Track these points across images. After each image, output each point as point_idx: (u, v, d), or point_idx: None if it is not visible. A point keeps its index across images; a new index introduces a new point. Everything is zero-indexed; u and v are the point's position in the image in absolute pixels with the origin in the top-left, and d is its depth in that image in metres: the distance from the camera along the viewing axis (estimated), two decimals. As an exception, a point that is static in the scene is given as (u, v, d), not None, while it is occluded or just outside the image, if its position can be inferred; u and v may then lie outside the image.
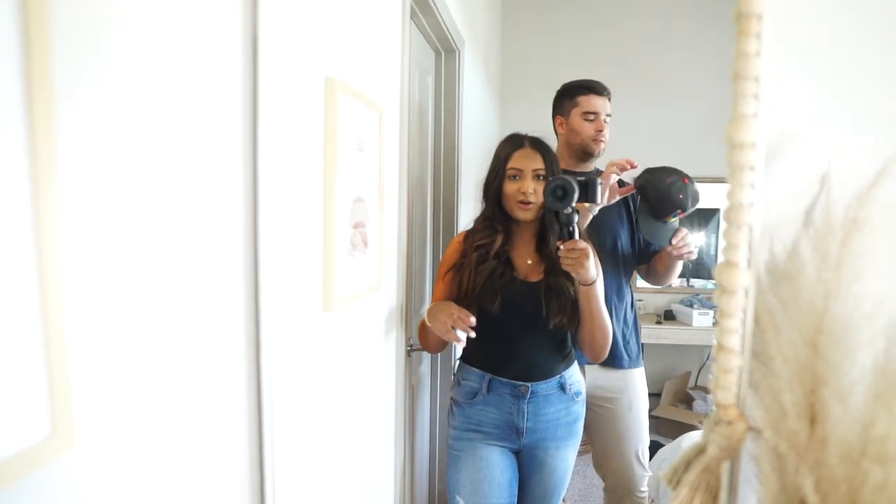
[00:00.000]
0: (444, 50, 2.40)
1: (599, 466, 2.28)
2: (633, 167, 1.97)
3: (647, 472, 2.19)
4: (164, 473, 0.67)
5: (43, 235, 0.47)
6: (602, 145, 2.14)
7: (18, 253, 0.45)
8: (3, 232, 0.44)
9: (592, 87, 2.12)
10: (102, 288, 0.57)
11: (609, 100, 2.14)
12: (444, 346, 1.78)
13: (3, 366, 0.44)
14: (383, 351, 1.52)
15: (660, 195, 1.95)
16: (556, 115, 2.22)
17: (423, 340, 1.78)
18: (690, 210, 1.95)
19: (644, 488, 2.20)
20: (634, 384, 2.16)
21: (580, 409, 1.82)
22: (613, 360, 2.10)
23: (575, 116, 2.13)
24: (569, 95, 2.16)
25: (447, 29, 2.19)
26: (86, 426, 0.55)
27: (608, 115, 2.14)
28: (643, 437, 2.18)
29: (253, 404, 0.83)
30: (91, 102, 0.54)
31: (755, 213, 0.66)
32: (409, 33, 1.63)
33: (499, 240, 1.71)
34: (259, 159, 0.80)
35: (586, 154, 2.14)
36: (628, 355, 2.15)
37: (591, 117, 2.11)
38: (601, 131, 2.11)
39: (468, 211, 2.68)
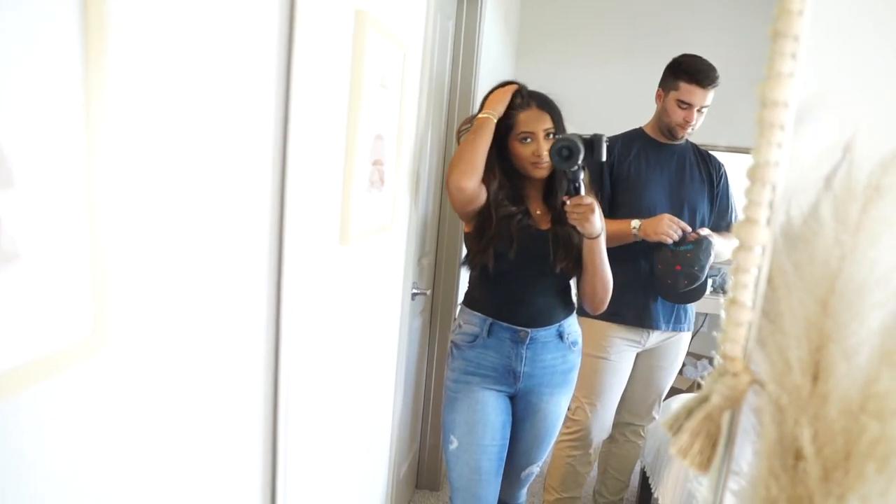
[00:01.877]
0: (467, -6, 2.37)
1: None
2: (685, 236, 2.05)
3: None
4: (186, 379, 0.70)
5: (92, 152, 0.49)
6: (689, 130, 2.17)
7: (70, 168, 0.47)
8: (57, 147, 0.45)
9: (697, 78, 2.08)
10: (141, 205, 0.58)
11: (713, 89, 2.11)
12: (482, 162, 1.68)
13: (55, 268, 0.46)
14: (391, 289, 1.55)
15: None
16: (660, 84, 2.21)
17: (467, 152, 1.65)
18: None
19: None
20: (684, 345, 2.38)
21: (576, 359, 1.87)
22: (681, 325, 2.29)
23: (671, 99, 2.14)
24: (673, 76, 2.14)
25: (472, -28, 2.16)
26: (121, 327, 0.57)
27: (705, 107, 2.13)
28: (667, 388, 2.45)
29: (272, 327, 0.86)
30: (137, 31, 0.55)
31: (780, 172, 0.66)
32: (436, -27, 1.61)
33: (521, 197, 1.72)
34: (292, 89, 0.80)
35: (671, 133, 2.15)
36: (688, 320, 2.33)
37: (685, 106, 2.11)
38: (689, 122, 2.13)
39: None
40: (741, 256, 0.68)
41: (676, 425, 0.74)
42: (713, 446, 0.71)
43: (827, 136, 0.73)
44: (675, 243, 2.05)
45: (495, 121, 1.69)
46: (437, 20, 1.98)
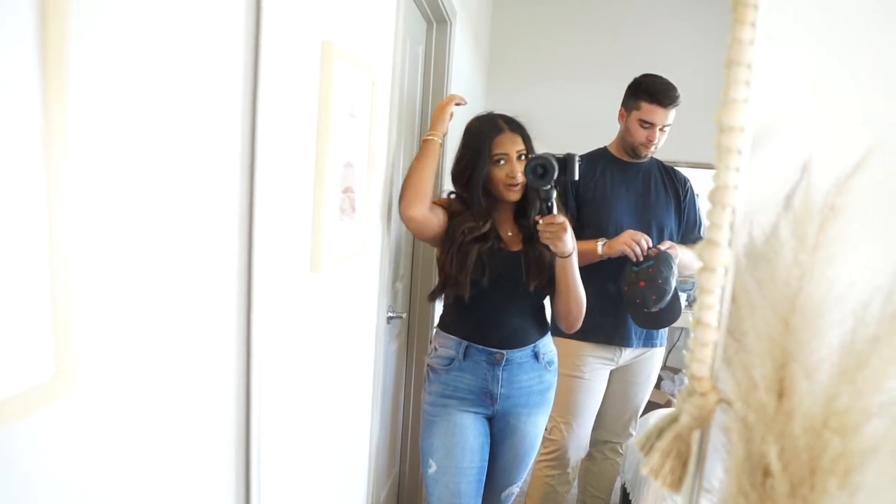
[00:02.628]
0: (436, 20, 2.39)
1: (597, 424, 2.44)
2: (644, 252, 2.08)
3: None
4: (156, 419, 0.69)
5: (52, 182, 0.48)
6: (652, 149, 2.21)
7: (27, 198, 0.46)
8: (12, 180, 0.45)
9: (658, 99, 2.11)
10: (105, 238, 0.58)
11: (674, 108, 2.14)
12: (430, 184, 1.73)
13: (10, 307, 0.46)
14: (365, 314, 1.55)
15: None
16: (622, 104, 2.24)
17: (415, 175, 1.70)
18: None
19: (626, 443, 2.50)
20: (657, 361, 2.39)
21: (552, 378, 1.88)
22: (653, 341, 2.30)
23: (633, 119, 2.17)
24: (635, 96, 2.18)
25: (440, -2, 2.19)
26: (87, 372, 0.56)
27: (667, 126, 2.17)
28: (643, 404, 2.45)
29: (242, 358, 0.85)
30: (100, 53, 0.55)
31: (739, 195, 0.68)
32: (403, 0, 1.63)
33: (488, 223, 1.73)
34: (258, 119, 0.81)
35: (634, 152, 2.19)
36: (660, 336, 2.34)
37: (647, 125, 2.14)
38: (652, 141, 2.16)
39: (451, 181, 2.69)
40: (704, 278, 0.69)
41: (648, 445, 0.74)
42: (684, 465, 0.72)
43: (786, 158, 0.75)
44: (635, 263, 2.07)
45: (439, 142, 1.75)
46: (405, 46, 2.00)
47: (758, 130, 0.72)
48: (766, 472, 0.64)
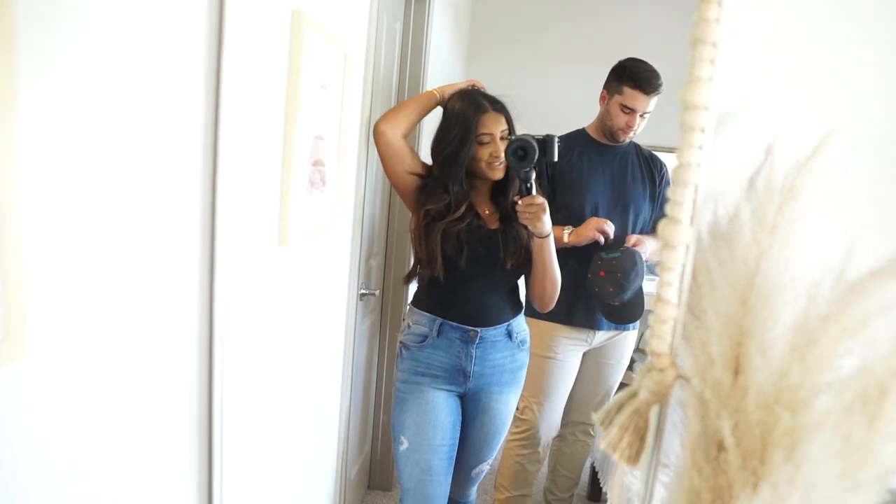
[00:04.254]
0: (414, -5, 2.37)
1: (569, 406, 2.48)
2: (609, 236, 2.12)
3: None
4: (113, 391, 0.69)
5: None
6: (630, 134, 2.20)
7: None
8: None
9: (642, 85, 2.11)
10: (60, 206, 0.57)
11: (656, 95, 2.14)
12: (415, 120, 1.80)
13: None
14: (336, 290, 1.54)
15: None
16: (604, 86, 2.23)
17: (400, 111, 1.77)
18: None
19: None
20: (630, 343, 2.44)
21: (524, 357, 1.90)
22: (625, 324, 2.31)
23: (615, 103, 2.16)
24: (618, 80, 2.16)
25: (419, -27, 2.16)
26: (39, 339, 0.55)
27: (647, 112, 2.16)
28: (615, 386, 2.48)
29: (205, 330, 0.84)
30: (53, 25, 0.53)
31: (701, 173, 0.69)
32: (380, -27, 1.61)
33: (459, 208, 1.73)
34: (222, 89, 0.80)
35: (612, 136, 2.19)
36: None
37: (628, 111, 2.13)
38: (631, 126, 2.16)
39: (428, 159, 2.68)
40: (665, 255, 0.70)
41: (608, 420, 0.75)
42: (641, 440, 0.73)
43: (752, 139, 0.76)
44: (604, 249, 2.10)
45: (437, 95, 1.79)
46: (382, 21, 1.98)
47: (724, 111, 0.72)
48: (720, 447, 0.65)
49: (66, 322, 0.59)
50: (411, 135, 2.36)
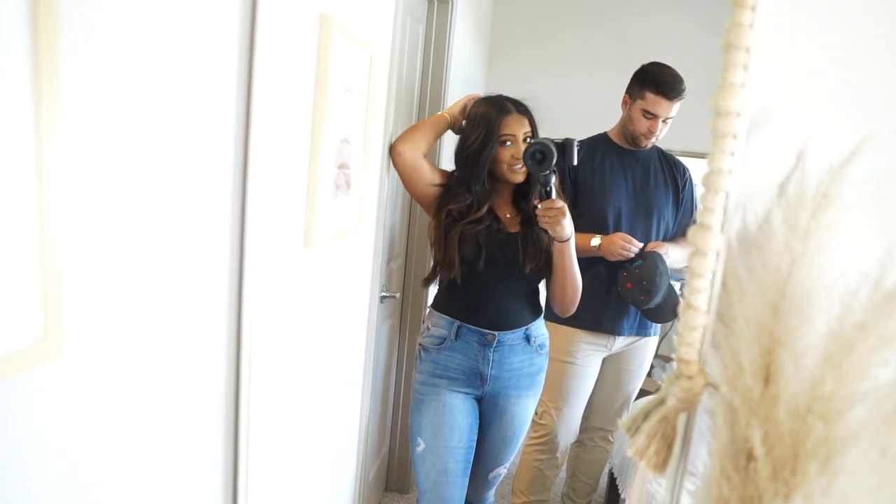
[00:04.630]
0: (438, -1, 2.38)
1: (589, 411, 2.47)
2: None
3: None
4: (145, 390, 0.69)
5: (43, 154, 0.48)
6: (653, 140, 2.20)
7: (20, 167, 0.46)
8: (6, 145, 0.45)
9: (664, 90, 2.09)
10: (96, 208, 0.57)
11: (679, 101, 2.12)
12: (430, 141, 1.79)
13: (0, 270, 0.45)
14: (358, 292, 1.55)
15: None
16: (627, 90, 2.22)
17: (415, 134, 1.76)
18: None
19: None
20: (650, 349, 2.42)
21: (543, 362, 1.89)
22: (647, 330, 2.31)
23: (637, 108, 2.15)
24: (640, 85, 2.15)
25: (442, -23, 2.17)
26: (76, 338, 0.56)
27: (670, 118, 2.15)
28: (635, 392, 2.48)
29: (233, 330, 0.85)
30: (93, 30, 0.54)
31: (733, 180, 0.68)
32: (405, -23, 1.62)
33: (482, 208, 1.74)
34: (253, 93, 0.80)
35: (634, 141, 2.18)
36: (653, 326, 2.35)
37: (650, 116, 2.12)
38: (653, 132, 2.15)
39: (450, 162, 2.68)
40: (696, 261, 0.69)
41: (634, 427, 0.75)
42: (669, 448, 0.72)
43: (782, 145, 0.75)
44: (626, 261, 2.11)
45: (447, 116, 1.79)
46: (406, 24, 1.98)
47: (754, 116, 0.72)
48: (750, 456, 0.64)
49: (100, 321, 0.60)
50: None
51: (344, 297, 1.42)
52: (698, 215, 0.69)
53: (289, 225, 1.00)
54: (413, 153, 1.72)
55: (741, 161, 0.69)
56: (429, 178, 1.76)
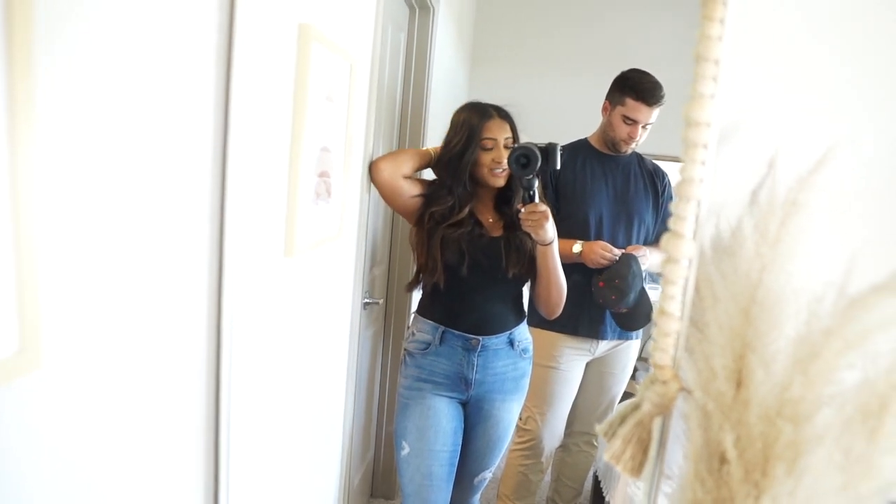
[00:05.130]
0: (419, 6, 2.39)
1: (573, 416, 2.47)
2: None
3: None
4: (123, 402, 0.69)
5: (17, 164, 0.48)
6: (633, 145, 2.22)
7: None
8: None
9: (644, 97, 2.11)
10: (73, 221, 0.58)
11: (659, 107, 2.14)
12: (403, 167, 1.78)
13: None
14: (340, 300, 1.55)
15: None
16: (607, 96, 2.24)
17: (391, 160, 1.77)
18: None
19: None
20: (633, 353, 2.43)
21: (527, 366, 1.91)
22: (629, 333, 2.31)
23: (617, 114, 2.17)
24: (620, 91, 2.17)
25: (423, -16, 2.18)
26: (53, 351, 0.56)
27: (649, 124, 2.17)
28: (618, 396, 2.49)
29: (212, 341, 0.85)
30: (69, 34, 0.54)
31: (704, 188, 0.70)
32: (385, -15, 1.63)
33: (463, 210, 1.75)
34: (231, 103, 0.81)
35: (614, 147, 2.20)
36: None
37: (630, 122, 2.14)
38: (633, 137, 2.17)
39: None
40: (669, 268, 0.70)
41: (611, 432, 0.76)
42: (644, 452, 0.73)
43: (754, 154, 0.76)
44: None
45: (432, 154, 1.81)
46: (386, 32, 1.99)
47: (726, 126, 0.73)
48: (723, 459, 0.66)
49: (77, 333, 0.60)
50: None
51: (326, 304, 1.42)
52: (671, 223, 0.70)
53: (269, 234, 1.01)
54: (393, 172, 1.73)
55: (713, 170, 0.71)
56: (408, 193, 1.77)
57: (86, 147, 0.59)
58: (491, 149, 1.73)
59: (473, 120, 1.74)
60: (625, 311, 2.14)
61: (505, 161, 1.71)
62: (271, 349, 1.08)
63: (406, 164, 1.76)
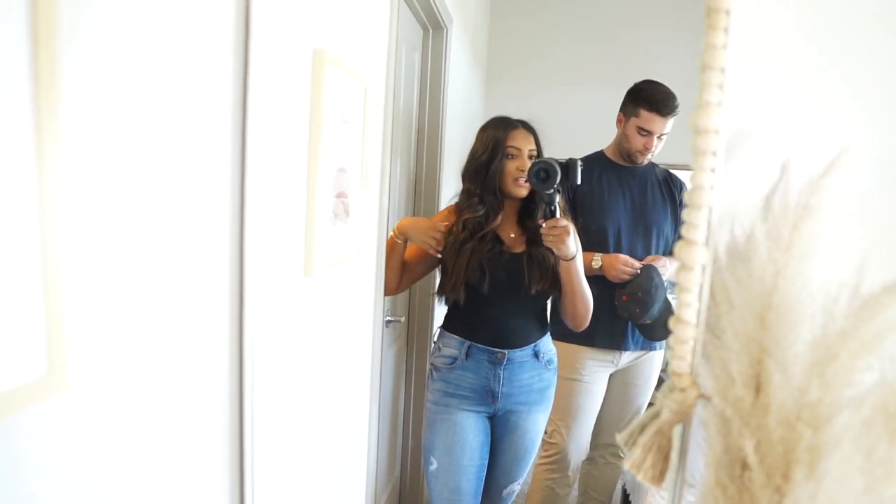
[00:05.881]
0: (432, 26, 2.42)
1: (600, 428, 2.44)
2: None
3: None
4: (148, 423, 0.71)
5: (44, 183, 0.50)
6: (648, 156, 2.23)
7: (20, 198, 0.48)
8: (5, 177, 0.47)
9: (658, 107, 2.12)
10: (97, 243, 0.60)
11: (673, 117, 2.15)
12: (397, 276, 1.88)
13: (3, 304, 0.47)
14: (361, 318, 1.56)
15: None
16: (621, 108, 2.25)
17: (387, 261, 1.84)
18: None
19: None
20: (657, 363, 2.41)
21: (552, 377, 1.91)
22: (652, 344, 2.31)
23: (631, 125, 2.18)
24: (634, 103, 2.18)
25: (436, 5, 2.21)
26: (80, 372, 0.58)
27: (664, 134, 2.18)
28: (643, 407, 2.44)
29: (235, 360, 0.87)
30: (89, 59, 0.57)
31: (715, 195, 0.70)
32: (398, 6, 1.66)
33: (496, 218, 1.78)
34: (248, 127, 0.83)
35: (630, 158, 2.21)
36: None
37: (645, 133, 2.15)
38: (649, 149, 2.18)
39: (450, 187, 2.72)
40: (682, 276, 0.71)
41: (631, 441, 0.76)
42: (665, 460, 0.73)
43: (766, 159, 0.77)
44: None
45: (395, 235, 1.86)
46: (401, 53, 2.02)
47: (736, 132, 0.74)
48: (744, 465, 0.66)
49: (102, 355, 0.62)
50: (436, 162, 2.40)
51: (346, 322, 1.43)
52: (683, 231, 0.71)
53: (288, 254, 1.03)
54: (397, 287, 1.88)
55: (723, 176, 0.71)
56: (426, 264, 1.91)
57: (109, 168, 0.61)
58: (515, 158, 1.76)
59: (499, 130, 1.79)
60: (649, 322, 2.13)
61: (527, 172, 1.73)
62: (293, 368, 1.10)
63: (393, 275, 1.84)
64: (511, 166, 1.76)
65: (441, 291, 1.88)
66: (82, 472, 0.61)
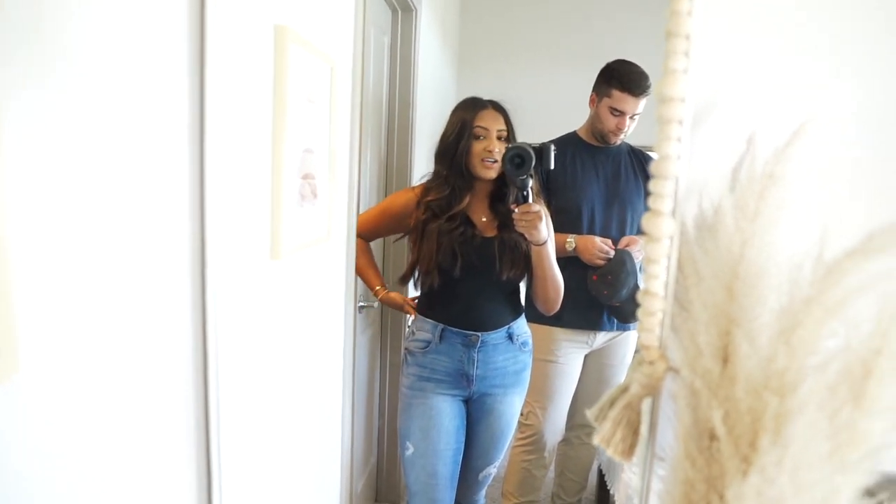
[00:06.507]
0: (401, 8, 2.39)
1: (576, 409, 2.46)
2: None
3: None
4: (108, 407, 0.69)
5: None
6: (621, 136, 2.22)
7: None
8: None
9: (630, 87, 2.12)
10: (47, 224, 0.57)
11: (645, 97, 2.15)
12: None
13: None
14: (332, 302, 1.55)
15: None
16: (593, 88, 2.25)
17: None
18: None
19: None
20: (632, 343, 2.42)
21: (527, 359, 1.91)
22: (626, 324, 2.32)
23: (604, 105, 2.17)
24: (606, 83, 2.17)
25: (404, -15, 2.18)
26: (30, 353, 0.56)
27: (637, 114, 2.18)
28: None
29: (199, 345, 0.85)
30: (40, 38, 0.54)
31: (682, 166, 0.69)
32: (364, -13, 1.63)
33: (462, 199, 1.76)
34: (206, 107, 0.80)
35: (603, 139, 2.21)
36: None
37: (617, 113, 2.15)
38: (621, 129, 2.18)
39: (421, 170, 2.70)
40: (650, 248, 0.70)
41: (601, 415, 0.76)
42: (634, 434, 0.73)
43: (733, 130, 0.76)
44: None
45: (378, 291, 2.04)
46: (369, 34, 1.99)
47: (703, 103, 0.73)
48: (712, 436, 0.65)
49: (55, 336, 0.60)
50: (407, 150, 2.38)
51: (317, 307, 1.42)
52: (650, 202, 0.70)
53: (253, 237, 1.00)
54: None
55: (690, 147, 0.70)
56: (394, 224, 1.93)
57: (56, 147, 0.58)
58: (483, 138, 1.74)
59: (468, 111, 1.78)
60: (617, 304, 2.15)
61: (496, 153, 1.71)
62: (261, 353, 1.08)
63: (362, 255, 1.92)
64: (478, 147, 1.75)
65: (408, 276, 1.87)
66: (39, 452, 0.59)
